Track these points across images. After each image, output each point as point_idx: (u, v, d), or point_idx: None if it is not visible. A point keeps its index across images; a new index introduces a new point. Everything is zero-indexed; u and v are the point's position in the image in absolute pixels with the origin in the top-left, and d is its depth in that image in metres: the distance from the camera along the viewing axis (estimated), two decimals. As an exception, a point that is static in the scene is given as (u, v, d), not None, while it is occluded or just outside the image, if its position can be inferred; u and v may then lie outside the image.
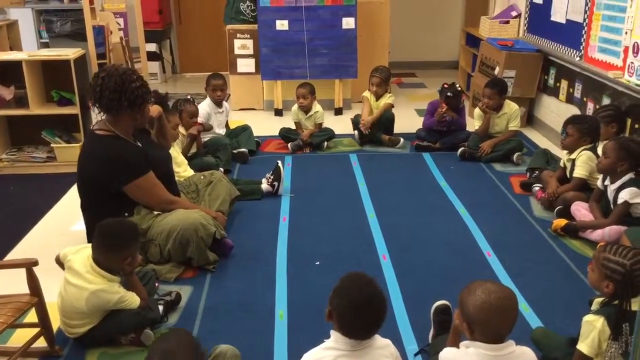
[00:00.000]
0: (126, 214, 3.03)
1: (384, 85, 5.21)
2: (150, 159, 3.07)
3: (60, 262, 2.60)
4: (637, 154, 3.29)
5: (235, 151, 4.80)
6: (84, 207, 3.10)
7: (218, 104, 4.95)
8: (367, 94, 5.30)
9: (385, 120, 5.18)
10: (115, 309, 2.49)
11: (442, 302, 2.52)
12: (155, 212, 3.13)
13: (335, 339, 1.85)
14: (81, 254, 2.53)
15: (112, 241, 2.47)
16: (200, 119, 4.65)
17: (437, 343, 2.34)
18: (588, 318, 2.07)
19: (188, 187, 3.58)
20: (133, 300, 2.52)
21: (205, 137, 4.70)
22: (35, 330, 2.44)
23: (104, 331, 2.51)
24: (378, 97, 5.24)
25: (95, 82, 2.93)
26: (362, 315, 1.80)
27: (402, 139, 5.15)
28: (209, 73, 5.15)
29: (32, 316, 2.49)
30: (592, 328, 2.03)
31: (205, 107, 4.85)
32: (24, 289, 2.41)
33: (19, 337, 2.51)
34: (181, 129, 4.36)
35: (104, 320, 2.51)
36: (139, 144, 3.10)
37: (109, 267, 2.48)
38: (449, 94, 4.92)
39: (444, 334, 2.30)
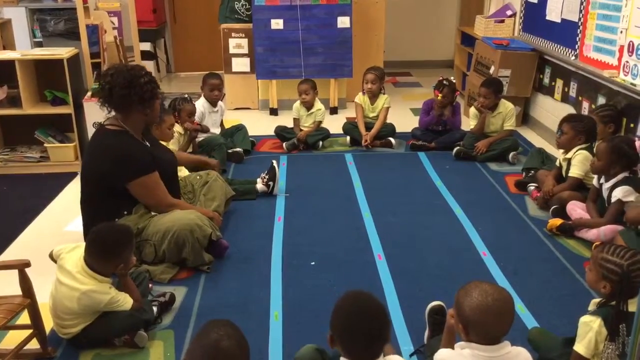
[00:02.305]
0: (125, 212, 3.04)
1: (379, 83, 5.18)
2: (156, 160, 3.08)
3: (53, 259, 2.59)
4: (629, 155, 3.29)
5: (230, 151, 4.78)
6: (85, 202, 3.09)
7: (213, 103, 4.94)
8: (358, 99, 5.25)
9: (386, 134, 5.16)
10: (108, 310, 2.47)
11: (437, 303, 2.51)
12: (153, 212, 3.12)
13: None
14: (75, 253, 2.52)
15: (104, 249, 2.45)
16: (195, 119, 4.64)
17: (432, 344, 2.33)
18: (585, 319, 2.06)
19: (184, 187, 3.57)
20: (125, 301, 2.50)
21: (200, 137, 4.68)
22: (28, 332, 2.42)
23: (97, 332, 2.49)
24: (373, 96, 5.21)
25: (104, 80, 2.97)
26: (361, 328, 1.74)
27: (393, 141, 5.14)
28: (204, 72, 5.13)
29: (24, 318, 2.47)
30: (589, 329, 2.02)
31: (199, 106, 4.82)
32: (17, 290, 2.39)
33: (11, 339, 2.49)
34: (178, 128, 4.36)
35: (97, 321, 2.49)
36: (147, 143, 3.13)
37: (101, 271, 2.47)
38: (444, 82, 4.99)
39: (440, 335, 2.29)
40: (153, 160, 3.05)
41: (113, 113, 3.04)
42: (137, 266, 2.95)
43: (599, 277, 2.09)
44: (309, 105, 5.11)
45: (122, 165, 2.94)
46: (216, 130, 4.95)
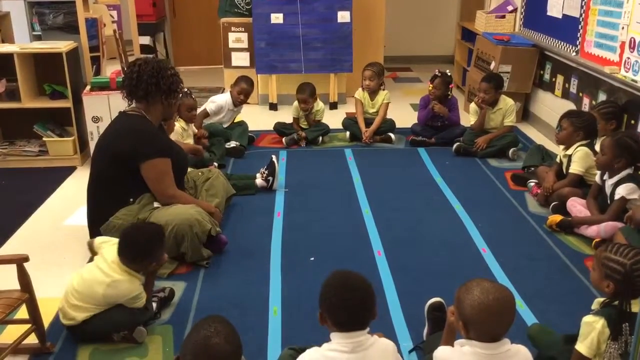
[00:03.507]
0: (131, 200, 3.08)
1: (377, 79, 5.15)
2: (172, 151, 3.17)
3: (92, 248, 2.69)
4: (633, 150, 3.28)
5: (228, 146, 4.75)
6: (93, 185, 3.15)
7: (236, 104, 5.00)
8: (358, 94, 5.23)
9: (385, 130, 5.14)
10: (115, 304, 2.50)
11: (436, 300, 2.50)
12: (155, 204, 3.12)
13: (334, 340, 1.83)
14: (115, 246, 2.58)
15: (136, 250, 2.52)
16: (212, 105, 4.84)
17: (431, 340, 2.32)
18: (588, 319, 2.04)
19: (186, 183, 3.56)
20: (144, 299, 2.54)
21: (206, 121, 4.76)
22: (26, 326, 2.41)
23: (97, 326, 2.48)
24: (372, 92, 5.19)
25: (131, 69, 3.09)
26: (348, 298, 1.81)
27: (393, 137, 5.12)
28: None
29: (22, 312, 2.46)
30: (592, 329, 2.01)
31: (223, 99, 4.94)
32: (15, 285, 2.38)
33: (10, 334, 2.48)
34: (182, 123, 4.35)
35: (100, 314, 2.48)
36: None
37: (134, 268, 2.53)
38: (437, 73, 4.99)
39: (439, 331, 2.28)
40: (171, 148, 3.15)
41: (133, 105, 3.15)
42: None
43: (602, 276, 2.07)
44: (308, 112, 5.09)
45: (142, 143, 3.02)
46: (226, 125, 5.01)
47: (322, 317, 1.87)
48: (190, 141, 4.45)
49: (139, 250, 2.52)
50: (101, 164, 3.11)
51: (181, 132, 4.35)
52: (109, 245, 2.62)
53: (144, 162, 3.03)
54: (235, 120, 5.18)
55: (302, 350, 2.09)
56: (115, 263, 2.51)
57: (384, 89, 5.26)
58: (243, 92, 4.95)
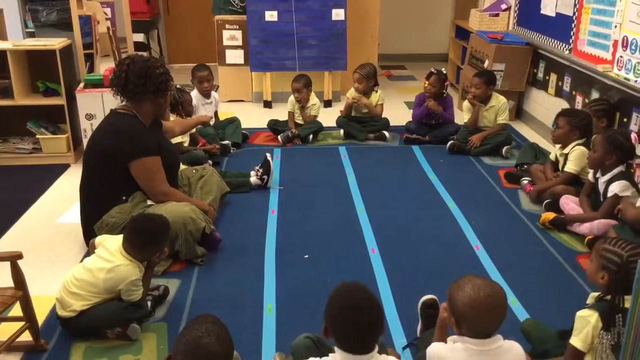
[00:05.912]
0: (124, 198, 3.08)
1: (365, 82, 5.10)
2: (162, 149, 3.16)
3: (93, 246, 2.69)
4: (624, 147, 3.31)
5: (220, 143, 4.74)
6: (85, 184, 3.16)
7: (206, 95, 4.93)
8: (350, 94, 5.21)
9: (380, 127, 5.15)
10: (121, 296, 2.51)
11: (429, 297, 2.51)
12: (149, 202, 3.12)
13: (336, 356, 1.78)
14: (117, 238, 2.63)
15: (143, 238, 2.57)
16: None
17: (425, 337, 2.33)
18: (582, 313, 2.05)
19: (180, 180, 3.56)
20: (140, 293, 2.54)
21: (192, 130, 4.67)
22: (20, 324, 2.41)
23: (91, 320, 2.48)
24: (364, 93, 5.16)
25: (120, 68, 3.07)
26: (354, 323, 1.74)
27: (387, 134, 5.13)
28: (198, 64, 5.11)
29: (16, 310, 2.46)
30: (586, 323, 2.02)
31: (193, 98, 4.81)
32: (8, 282, 2.38)
33: (3, 331, 2.46)
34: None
35: (94, 308, 2.49)
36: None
37: (136, 257, 2.57)
38: (432, 70, 4.99)
39: (432, 328, 2.29)
40: (159, 146, 3.13)
41: (124, 102, 3.13)
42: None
43: (598, 267, 2.09)
44: (304, 103, 5.08)
45: (129, 143, 3.01)
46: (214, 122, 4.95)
47: (326, 331, 1.81)
48: (187, 140, 4.45)
49: (146, 238, 2.57)
50: (92, 163, 3.11)
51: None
52: (111, 238, 2.66)
53: (132, 162, 3.02)
54: (227, 117, 5.16)
55: (318, 340, 2.08)
56: (118, 251, 2.56)
57: (377, 91, 5.23)
58: (203, 79, 4.88)
